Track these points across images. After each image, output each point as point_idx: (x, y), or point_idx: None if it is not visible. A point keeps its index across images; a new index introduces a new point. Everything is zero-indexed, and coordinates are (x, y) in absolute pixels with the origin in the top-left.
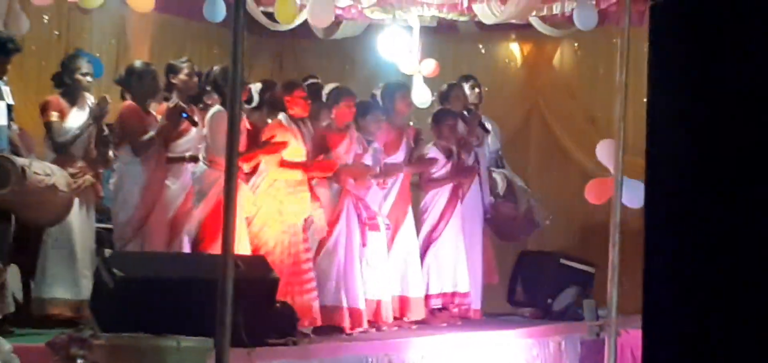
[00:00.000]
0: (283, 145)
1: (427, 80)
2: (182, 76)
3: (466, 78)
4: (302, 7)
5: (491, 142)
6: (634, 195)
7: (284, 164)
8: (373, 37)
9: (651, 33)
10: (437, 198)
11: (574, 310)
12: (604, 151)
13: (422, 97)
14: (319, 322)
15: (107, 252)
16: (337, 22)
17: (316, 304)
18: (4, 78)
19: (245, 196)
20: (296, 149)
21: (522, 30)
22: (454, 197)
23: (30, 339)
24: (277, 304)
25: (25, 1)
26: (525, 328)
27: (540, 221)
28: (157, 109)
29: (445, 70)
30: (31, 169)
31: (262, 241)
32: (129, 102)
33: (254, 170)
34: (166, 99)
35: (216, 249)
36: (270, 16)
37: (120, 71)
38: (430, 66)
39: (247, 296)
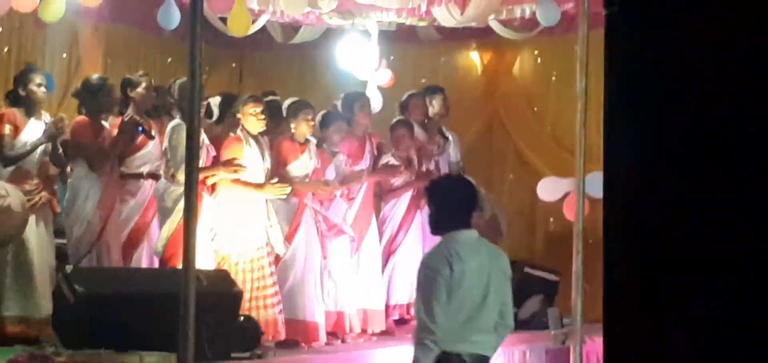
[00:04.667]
0: (241, 167)
1: (388, 89)
2: (140, 90)
3: (431, 89)
4: (260, 13)
5: (452, 153)
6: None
7: (238, 183)
8: (332, 45)
9: (607, 41)
10: (396, 208)
11: (538, 318)
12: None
13: (373, 102)
14: (283, 336)
15: (68, 268)
16: (295, 27)
17: (281, 318)
18: None
19: (209, 208)
20: (253, 164)
21: (482, 38)
22: (414, 207)
23: None
24: (241, 318)
25: None
26: None
27: (504, 230)
28: (112, 123)
29: (405, 77)
30: None
31: (224, 256)
32: (81, 117)
33: (215, 186)
34: (122, 113)
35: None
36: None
37: (72, 85)
38: (386, 76)
39: (210, 311)
